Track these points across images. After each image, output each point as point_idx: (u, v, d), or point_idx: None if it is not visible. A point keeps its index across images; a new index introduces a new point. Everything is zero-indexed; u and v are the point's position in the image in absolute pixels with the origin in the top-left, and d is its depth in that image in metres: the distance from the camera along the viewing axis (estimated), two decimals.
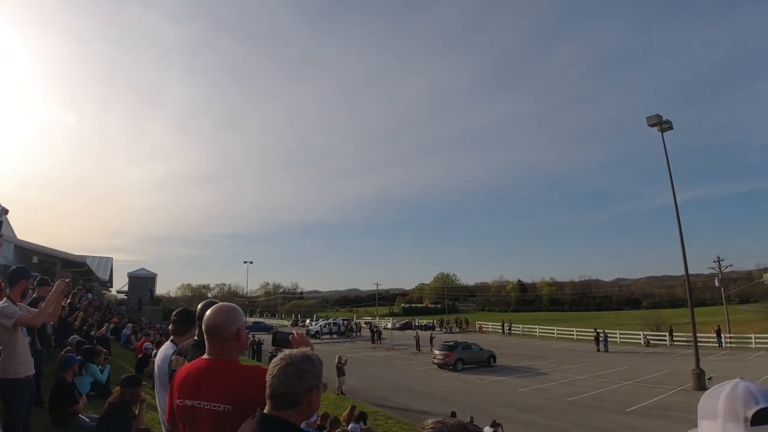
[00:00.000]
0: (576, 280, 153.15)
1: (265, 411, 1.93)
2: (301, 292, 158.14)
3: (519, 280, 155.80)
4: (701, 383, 22.77)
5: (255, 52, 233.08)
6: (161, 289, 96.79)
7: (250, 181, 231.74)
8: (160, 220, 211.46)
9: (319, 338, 52.31)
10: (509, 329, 59.87)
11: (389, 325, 56.04)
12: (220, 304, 2.66)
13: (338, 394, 20.99)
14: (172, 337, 3.92)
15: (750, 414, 1.17)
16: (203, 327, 2.53)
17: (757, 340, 40.51)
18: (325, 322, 60.33)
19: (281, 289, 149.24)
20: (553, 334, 55.09)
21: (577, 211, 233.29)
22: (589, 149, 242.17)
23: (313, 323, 62.64)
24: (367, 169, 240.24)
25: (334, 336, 56.03)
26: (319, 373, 2.03)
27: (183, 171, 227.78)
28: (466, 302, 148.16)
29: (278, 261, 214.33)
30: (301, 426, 1.95)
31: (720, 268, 56.94)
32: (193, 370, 2.48)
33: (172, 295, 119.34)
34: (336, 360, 22.38)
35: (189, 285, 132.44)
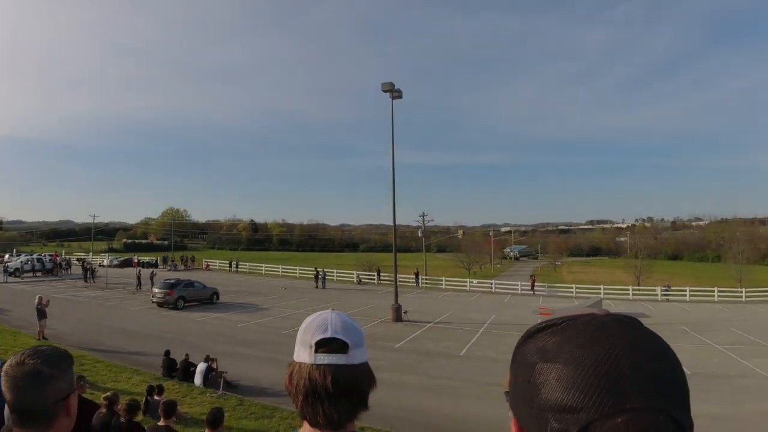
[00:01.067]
0: (305, 222, 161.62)
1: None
2: (0, 222, 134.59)
3: (252, 220, 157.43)
4: (398, 316, 26.62)
5: None
6: None
7: None
8: None
9: (19, 276, 45.53)
10: (236, 267, 60.61)
11: (105, 262, 51.38)
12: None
13: (39, 339, 18.81)
14: None
15: (314, 341, 1.26)
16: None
17: (446, 283, 48.88)
18: (28, 257, 52.29)
19: None
20: (279, 272, 57.64)
21: (319, 159, 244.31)
22: (341, 105, 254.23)
23: (13, 258, 53.68)
24: (107, 85, 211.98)
25: (38, 274, 49.15)
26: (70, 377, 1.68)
27: None
28: (197, 240, 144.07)
29: None
30: None
31: (424, 222, 66.09)
32: None
33: None
34: (36, 301, 19.88)
35: None
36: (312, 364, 1.26)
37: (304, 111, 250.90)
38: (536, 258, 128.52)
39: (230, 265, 61.32)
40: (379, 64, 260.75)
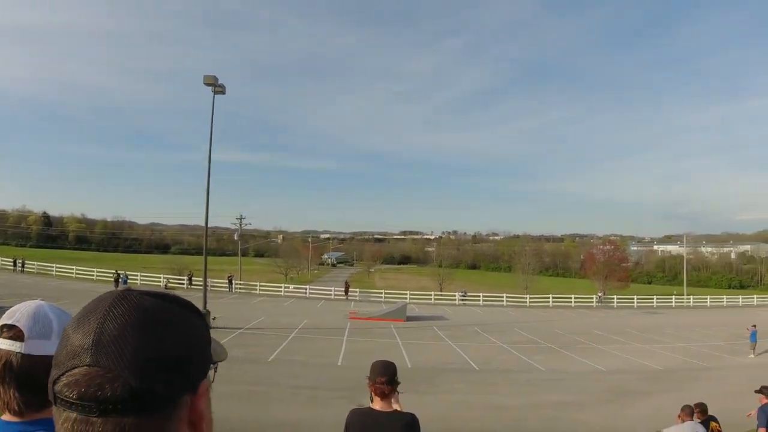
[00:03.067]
0: (110, 219, 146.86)
1: None
2: None
3: (44, 213, 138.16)
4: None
5: None
6: None
7: None
8: None
9: None
10: (23, 267, 52.67)
11: None
12: None
13: None
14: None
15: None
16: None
17: (261, 288, 47.58)
18: None
19: None
20: (72, 273, 51.29)
21: (127, 148, 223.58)
22: (156, 90, 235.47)
23: None
24: None
25: None
26: None
27: None
28: None
29: None
30: None
31: (241, 225, 64.08)
32: None
33: None
34: None
35: None
36: None
37: (113, 91, 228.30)
38: (352, 265, 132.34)
39: (15, 264, 53.07)
40: (207, 54, 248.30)
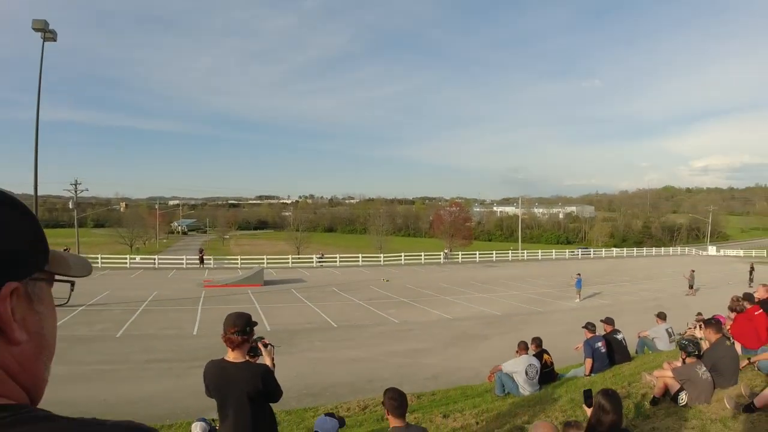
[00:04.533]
0: None
1: None
2: None
3: None
4: None
5: None
6: None
7: None
8: None
9: None
10: None
11: None
12: None
13: None
14: None
15: None
16: None
17: (102, 261, 43.33)
18: None
19: None
20: None
21: None
22: None
23: None
24: None
25: None
26: None
27: None
28: None
29: None
30: None
31: (76, 192, 58.20)
32: None
33: None
34: None
35: None
36: None
37: None
38: (205, 232, 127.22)
39: None
40: None
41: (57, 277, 0.74)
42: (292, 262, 48.80)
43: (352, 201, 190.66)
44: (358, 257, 51.05)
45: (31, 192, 25.32)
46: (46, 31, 24.16)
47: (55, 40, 24.79)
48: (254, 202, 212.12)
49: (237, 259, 47.84)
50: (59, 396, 11.36)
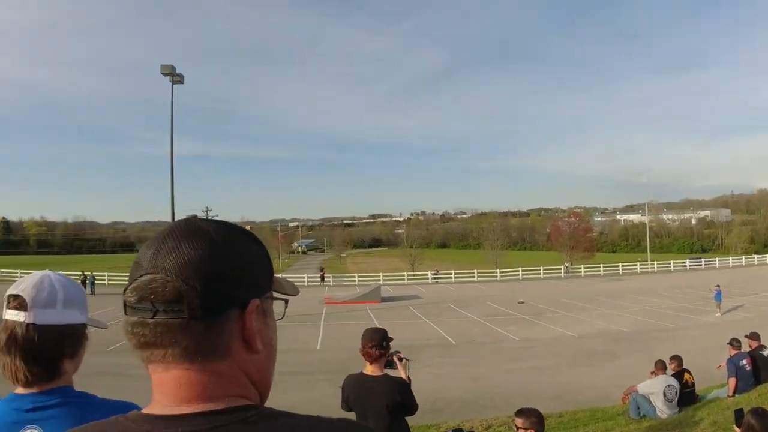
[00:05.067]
0: (70, 220, 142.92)
1: None
2: None
3: (3, 218, 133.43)
4: None
5: None
6: None
7: None
8: None
9: None
10: None
11: None
12: None
13: None
14: None
15: (5, 296, 1.33)
16: None
17: None
18: None
19: None
20: None
21: (80, 144, 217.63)
22: (97, 82, 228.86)
23: None
24: None
25: None
26: None
27: None
28: None
29: None
30: None
31: (207, 218, 63.14)
32: None
33: None
34: None
35: None
36: (3, 319, 1.32)
37: (56, 84, 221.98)
38: (323, 251, 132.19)
39: None
40: (153, 43, 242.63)
41: (275, 295, 0.87)
42: (408, 279, 49.26)
43: (464, 216, 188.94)
44: (474, 273, 50.43)
45: (169, 219, 27.82)
46: (173, 75, 26.45)
47: (182, 83, 27.12)
48: (368, 221, 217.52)
49: (354, 277, 49.21)
50: None
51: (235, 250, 0.79)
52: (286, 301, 0.89)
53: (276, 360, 0.89)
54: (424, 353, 17.27)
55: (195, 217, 0.84)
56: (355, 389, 3.87)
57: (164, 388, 0.75)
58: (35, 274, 1.38)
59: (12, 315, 1.30)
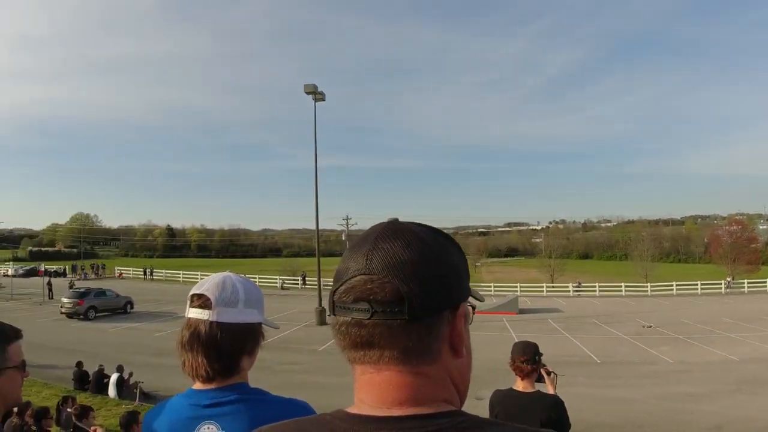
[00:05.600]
0: (226, 228, 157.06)
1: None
2: None
3: (168, 225, 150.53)
4: (322, 319, 26.43)
5: None
6: None
7: None
8: None
9: None
10: (151, 275, 58.18)
11: (10, 272, 48.01)
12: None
13: None
14: None
15: (189, 296, 1.43)
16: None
17: None
18: None
19: None
20: (197, 279, 55.52)
21: (232, 160, 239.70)
22: (246, 103, 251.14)
23: None
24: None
25: None
26: None
27: None
28: (108, 247, 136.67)
29: None
30: None
31: (347, 226, 66.03)
32: None
33: None
34: None
35: None
36: (186, 317, 1.40)
37: (217, 110, 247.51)
38: None
39: (145, 273, 58.74)
40: (295, 65, 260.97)
41: (470, 301, 0.89)
42: (547, 291, 47.53)
43: (608, 224, 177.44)
44: (621, 286, 47.26)
45: (313, 227, 29.61)
46: (316, 93, 28.07)
47: (324, 100, 28.66)
48: (503, 229, 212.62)
49: (490, 286, 48.44)
50: (334, 405, 12.90)
51: (445, 252, 0.81)
52: (474, 307, 0.89)
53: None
54: (565, 370, 16.57)
55: (397, 219, 0.86)
56: (506, 406, 3.72)
57: (373, 388, 0.76)
58: (217, 275, 1.46)
59: (196, 313, 1.37)
